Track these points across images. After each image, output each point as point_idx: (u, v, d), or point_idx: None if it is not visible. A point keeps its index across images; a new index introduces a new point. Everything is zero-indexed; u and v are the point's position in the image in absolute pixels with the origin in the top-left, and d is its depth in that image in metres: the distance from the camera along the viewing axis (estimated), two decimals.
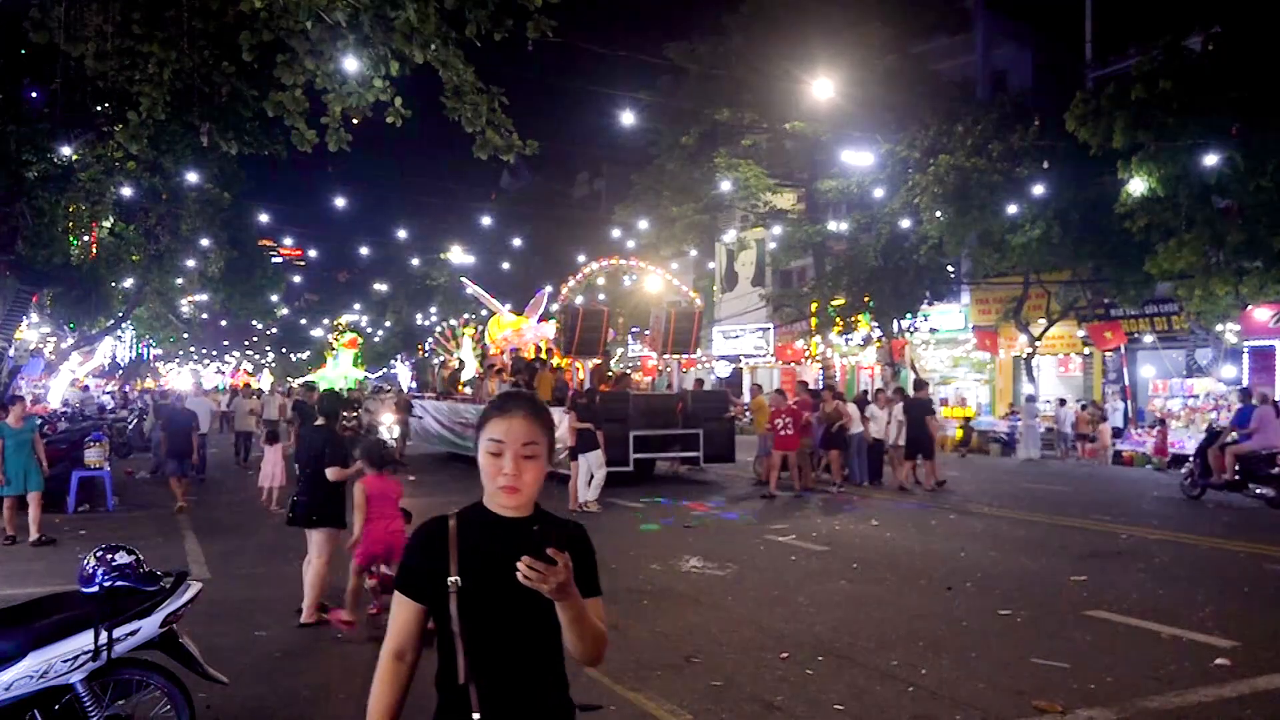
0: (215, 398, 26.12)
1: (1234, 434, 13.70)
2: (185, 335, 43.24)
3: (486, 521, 2.16)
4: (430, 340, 36.96)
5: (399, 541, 6.46)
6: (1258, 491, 13.22)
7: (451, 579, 2.07)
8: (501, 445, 2.12)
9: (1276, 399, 14.61)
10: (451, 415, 20.35)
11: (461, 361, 26.91)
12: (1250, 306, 18.25)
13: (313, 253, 56.36)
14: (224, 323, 64.15)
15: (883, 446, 16.03)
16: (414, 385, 38.84)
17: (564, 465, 13.69)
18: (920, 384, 18.06)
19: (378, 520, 6.65)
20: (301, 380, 48.74)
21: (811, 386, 19.67)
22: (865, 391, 19.34)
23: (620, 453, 13.96)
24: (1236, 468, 13.38)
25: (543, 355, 20.52)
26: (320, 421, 7.41)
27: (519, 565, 1.92)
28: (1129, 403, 22.94)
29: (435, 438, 20.96)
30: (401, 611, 2.17)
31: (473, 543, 2.12)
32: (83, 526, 11.45)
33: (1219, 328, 19.18)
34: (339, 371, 46.71)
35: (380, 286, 52.86)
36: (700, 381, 19.66)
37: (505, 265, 39.83)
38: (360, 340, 49.45)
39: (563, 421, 13.99)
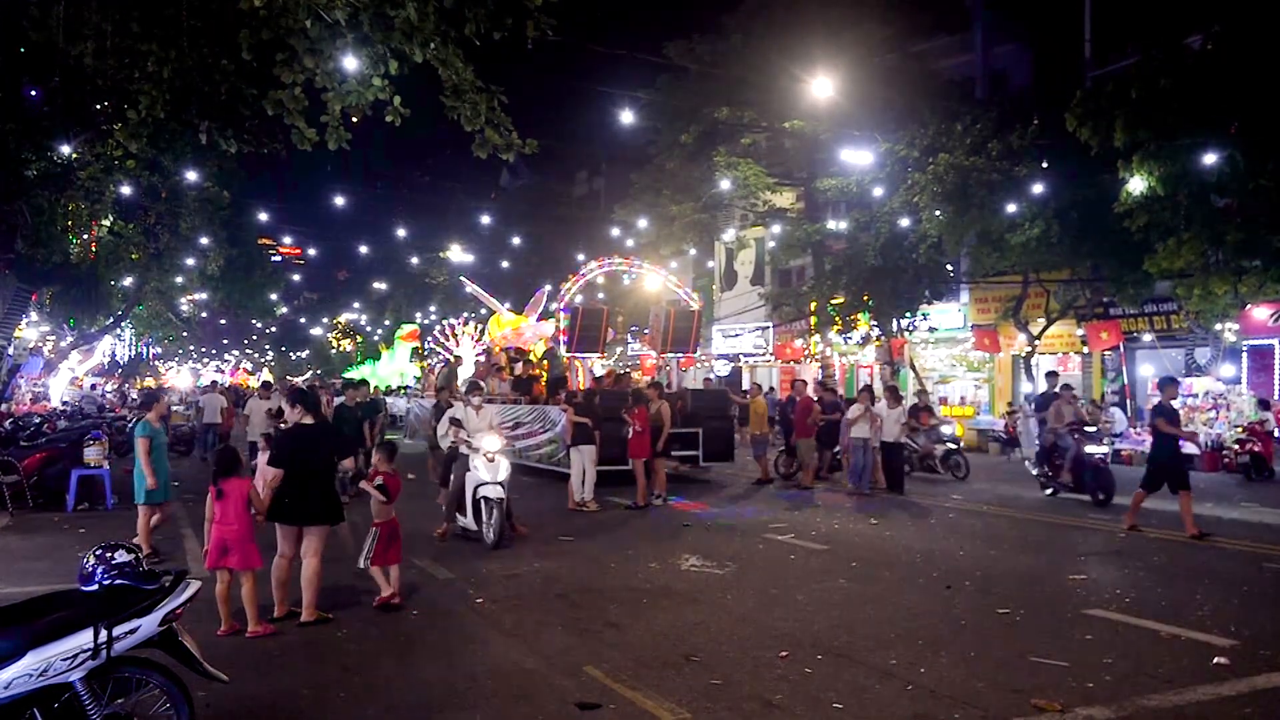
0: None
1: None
2: (184, 334, 43.25)
3: None
4: (429, 339, 36.70)
5: (230, 537, 6.75)
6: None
7: None
8: None
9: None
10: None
11: (459, 359, 26.92)
12: (1249, 305, 18.26)
13: (312, 251, 56.43)
14: (223, 321, 64.31)
15: (902, 450, 15.49)
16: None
17: (564, 463, 13.70)
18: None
19: (218, 525, 6.82)
20: (319, 376, 46.39)
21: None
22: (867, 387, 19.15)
23: (619, 451, 13.95)
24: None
25: (532, 356, 20.60)
26: (309, 420, 7.35)
27: None
28: (1129, 401, 22.95)
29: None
30: None
31: None
32: (82, 525, 11.45)
33: (1218, 327, 19.19)
34: (394, 367, 42.94)
35: (380, 285, 52.85)
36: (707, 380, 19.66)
37: (505, 264, 39.84)
38: (419, 332, 43.17)
39: (561, 419, 14.01)
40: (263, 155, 13.04)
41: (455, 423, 11.04)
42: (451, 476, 11.06)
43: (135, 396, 38.13)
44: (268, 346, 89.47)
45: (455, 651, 6.36)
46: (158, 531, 9.71)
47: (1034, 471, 14.92)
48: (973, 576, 8.62)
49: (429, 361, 33.52)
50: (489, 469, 10.20)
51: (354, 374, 43.86)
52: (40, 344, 28.88)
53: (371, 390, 17.27)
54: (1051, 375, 16.21)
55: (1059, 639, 6.55)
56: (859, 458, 14.62)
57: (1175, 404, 11.71)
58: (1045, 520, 12.10)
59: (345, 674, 5.91)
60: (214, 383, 26.19)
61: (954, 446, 17.34)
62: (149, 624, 4.24)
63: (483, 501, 10.22)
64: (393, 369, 41.49)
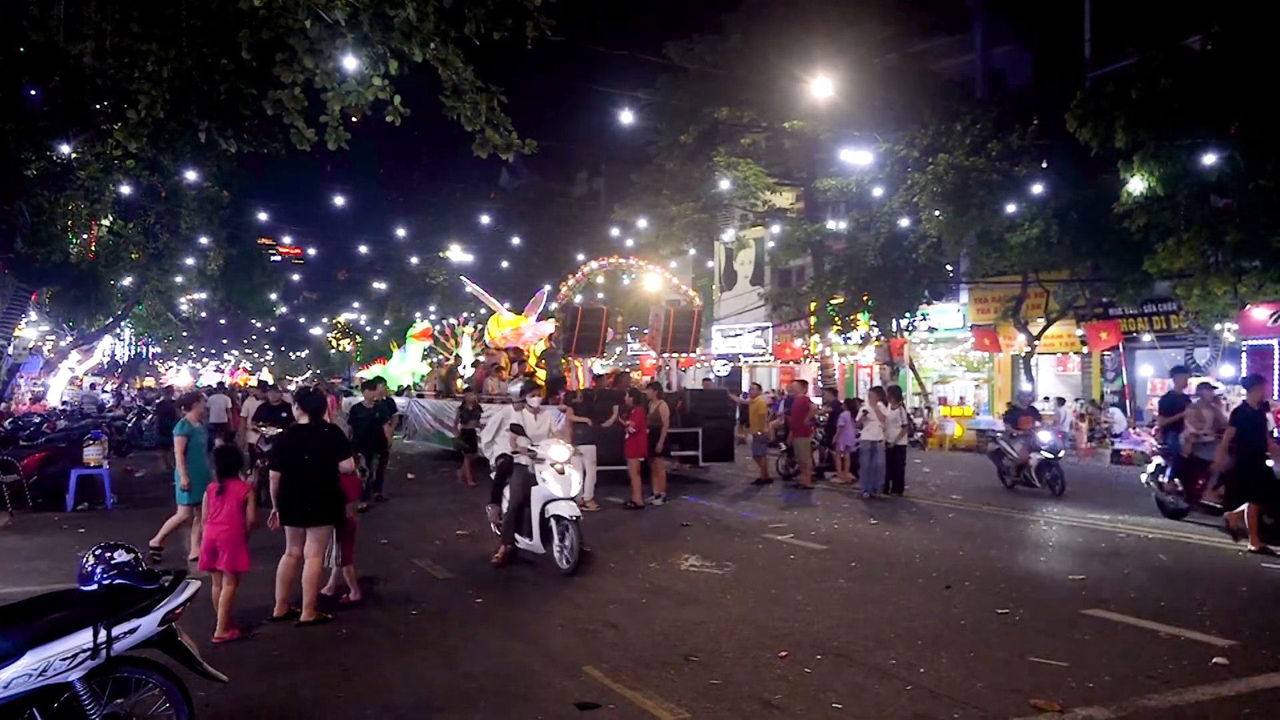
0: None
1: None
2: (184, 334, 43.27)
3: None
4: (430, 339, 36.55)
5: (221, 538, 6.76)
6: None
7: None
8: None
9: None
10: (450, 413, 20.40)
11: (459, 358, 26.91)
12: (1249, 305, 18.26)
13: (311, 251, 56.36)
14: (223, 321, 64.33)
15: (904, 452, 15.07)
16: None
17: None
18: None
19: (210, 524, 6.85)
20: (315, 374, 45.74)
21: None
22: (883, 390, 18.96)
23: (618, 451, 13.95)
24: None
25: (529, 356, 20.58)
26: (307, 420, 7.35)
27: None
28: (1129, 402, 22.95)
29: (432, 435, 21.13)
30: None
31: None
32: (82, 525, 11.45)
33: (1217, 327, 19.19)
34: (406, 366, 42.55)
35: (379, 285, 52.82)
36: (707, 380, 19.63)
37: (504, 264, 39.80)
38: (433, 330, 40.18)
39: (561, 419, 14.00)
40: (263, 155, 13.05)
41: (516, 429, 9.29)
42: (506, 491, 9.55)
43: (134, 396, 38.16)
44: (267, 346, 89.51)
45: (455, 651, 6.36)
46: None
47: (1164, 483, 12.15)
48: (972, 576, 8.62)
49: (429, 359, 33.49)
50: (560, 483, 8.81)
51: (365, 374, 43.25)
52: (40, 344, 28.91)
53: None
54: (1179, 372, 13.64)
55: (1059, 639, 6.56)
56: (868, 460, 14.30)
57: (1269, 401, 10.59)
58: (1043, 519, 12.05)
59: (345, 674, 5.91)
60: (219, 383, 26.48)
61: (1051, 456, 14.50)
62: (148, 624, 4.25)
63: (554, 521, 8.82)
64: (404, 369, 41.07)
